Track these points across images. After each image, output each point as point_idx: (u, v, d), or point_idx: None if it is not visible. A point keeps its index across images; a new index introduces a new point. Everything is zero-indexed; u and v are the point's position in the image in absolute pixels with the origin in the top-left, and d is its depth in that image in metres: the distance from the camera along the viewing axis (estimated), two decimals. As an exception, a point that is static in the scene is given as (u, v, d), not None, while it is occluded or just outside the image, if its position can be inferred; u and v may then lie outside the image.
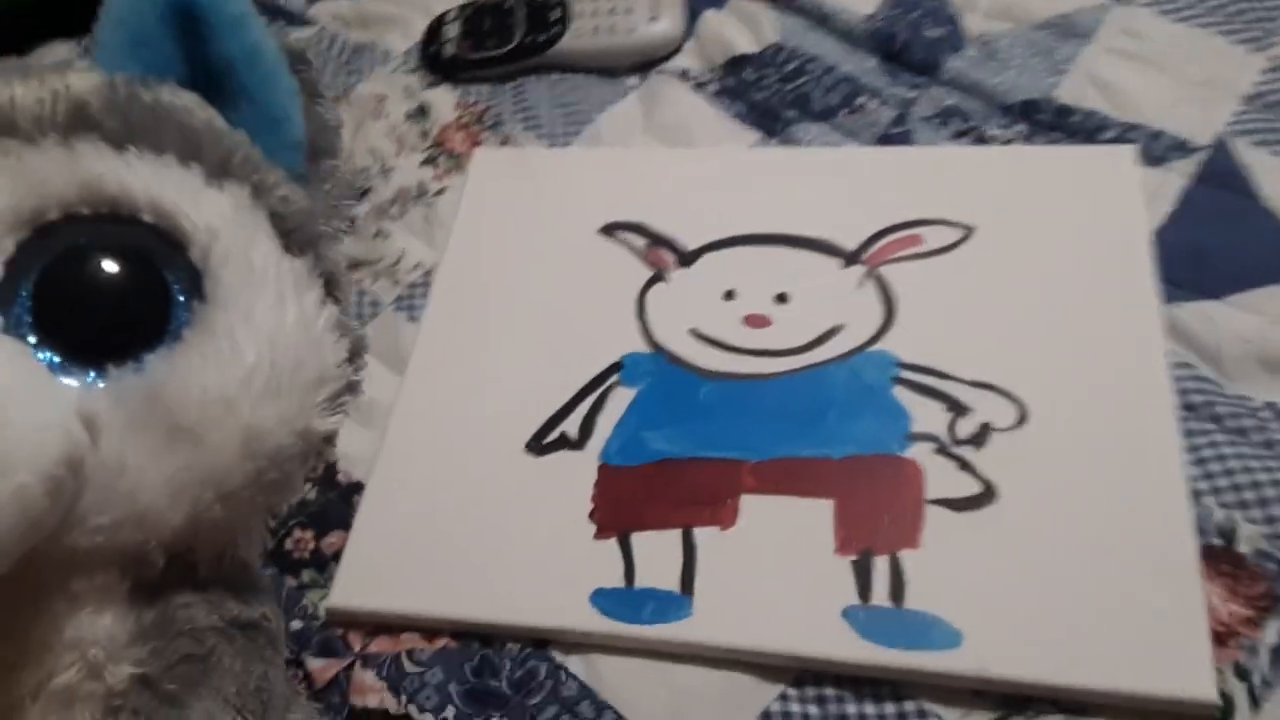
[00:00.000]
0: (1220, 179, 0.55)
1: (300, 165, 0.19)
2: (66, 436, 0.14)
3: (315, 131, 0.20)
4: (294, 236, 0.18)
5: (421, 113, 0.65)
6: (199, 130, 0.18)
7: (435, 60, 0.66)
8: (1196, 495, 0.45)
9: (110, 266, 0.16)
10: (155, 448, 0.16)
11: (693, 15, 0.66)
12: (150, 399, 0.16)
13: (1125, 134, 0.57)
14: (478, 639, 0.44)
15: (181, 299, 0.16)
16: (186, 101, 0.18)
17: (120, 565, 0.16)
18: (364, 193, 0.61)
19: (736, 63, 0.64)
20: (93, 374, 0.15)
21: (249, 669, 0.18)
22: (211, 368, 0.16)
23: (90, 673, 0.16)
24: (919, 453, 0.47)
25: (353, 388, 0.19)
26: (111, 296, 0.16)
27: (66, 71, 0.17)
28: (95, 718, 0.16)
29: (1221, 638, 0.42)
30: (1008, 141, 0.58)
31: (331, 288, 0.19)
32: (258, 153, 0.19)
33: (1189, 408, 0.48)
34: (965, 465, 0.46)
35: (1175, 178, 0.55)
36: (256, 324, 0.17)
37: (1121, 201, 0.53)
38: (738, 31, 0.65)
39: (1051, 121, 0.59)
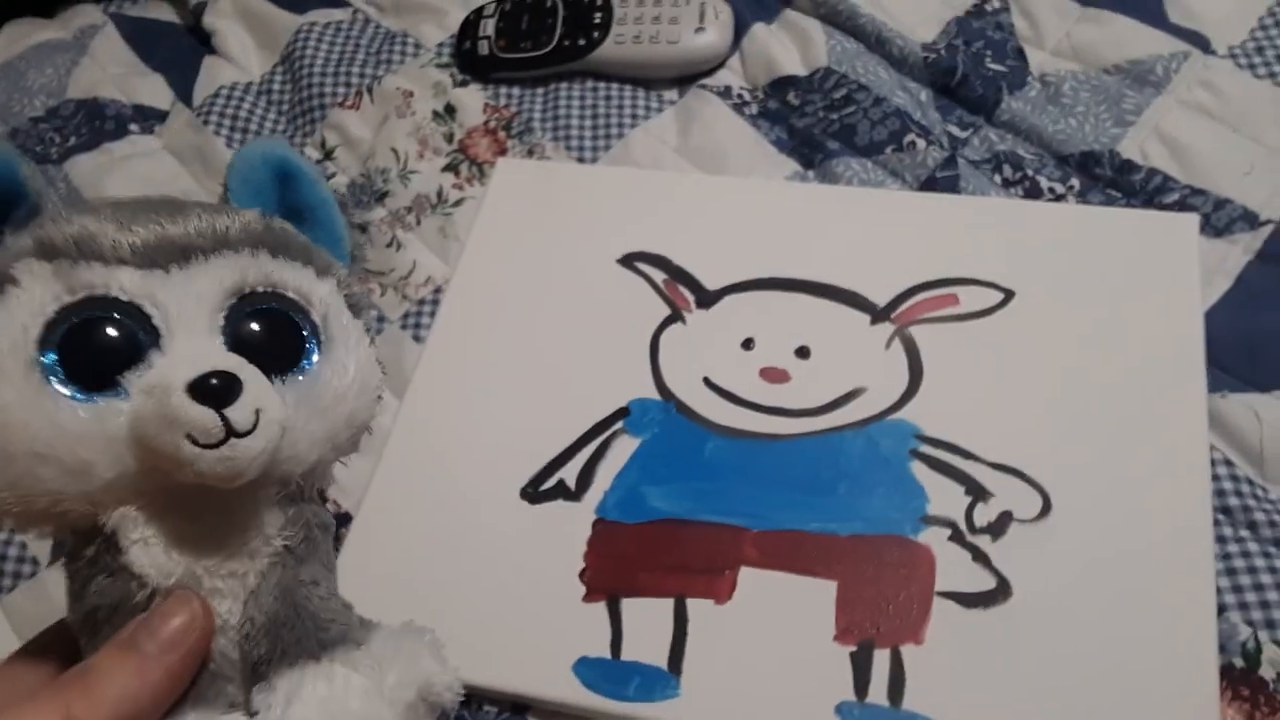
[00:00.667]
0: (1286, 258, 0.51)
1: (348, 264, 0.31)
2: (284, 409, 0.26)
3: (353, 246, 0.32)
4: (353, 307, 0.30)
5: (449, 113, 0.62)
6: (306, 246, 0.29)
7: (469, 57, 0.64)
8: (1222, 609, 0.43)
9: (275, 319, 0.27)
10: (307, 419, 0.27)
11: (739, 27, 0.63)
12: (304, 392, 0.27)
13: (1188, 199, 0.53)
14: (453, 696, 0.43)
15: (312, 339, 0.28)
16: (289, 228, 0.29)
17: (278, 484, 0.27)
18: (382, 196, 0.59)
19: (781, 84, 0.61)
20: (271, 377, 0.26)
21: (329, 548, 0.29)
22: (333, 377, 0.28)
23: (265, 541, 0.27)
24: (932, 538, 0.44)
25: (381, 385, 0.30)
26: (278, 336, 0.27)
27: (242, 211, 0.28)
28: (263, 567, 0.27)
29: (1235, 768, 0.40)
30: (1060, 196, 0.55)
31: (370, 335, 0.30)
32: (333, 259, 0.30)
33: (1224, 510, 0.45)
34: (980, 556, 0.43)
35: (1237, 252, 0.52)
36: (351, 353, 0.28)
37: (1178, 277, 0.49)
38: (786, 50, 0.61)
39: (1110, 178, 0.55)
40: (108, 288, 0.25)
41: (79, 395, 0.24)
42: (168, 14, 0.73)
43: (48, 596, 0.48)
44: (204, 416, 0.24)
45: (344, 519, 0.48)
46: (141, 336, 0.25)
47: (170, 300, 0.26)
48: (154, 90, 0.67)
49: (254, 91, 0.66)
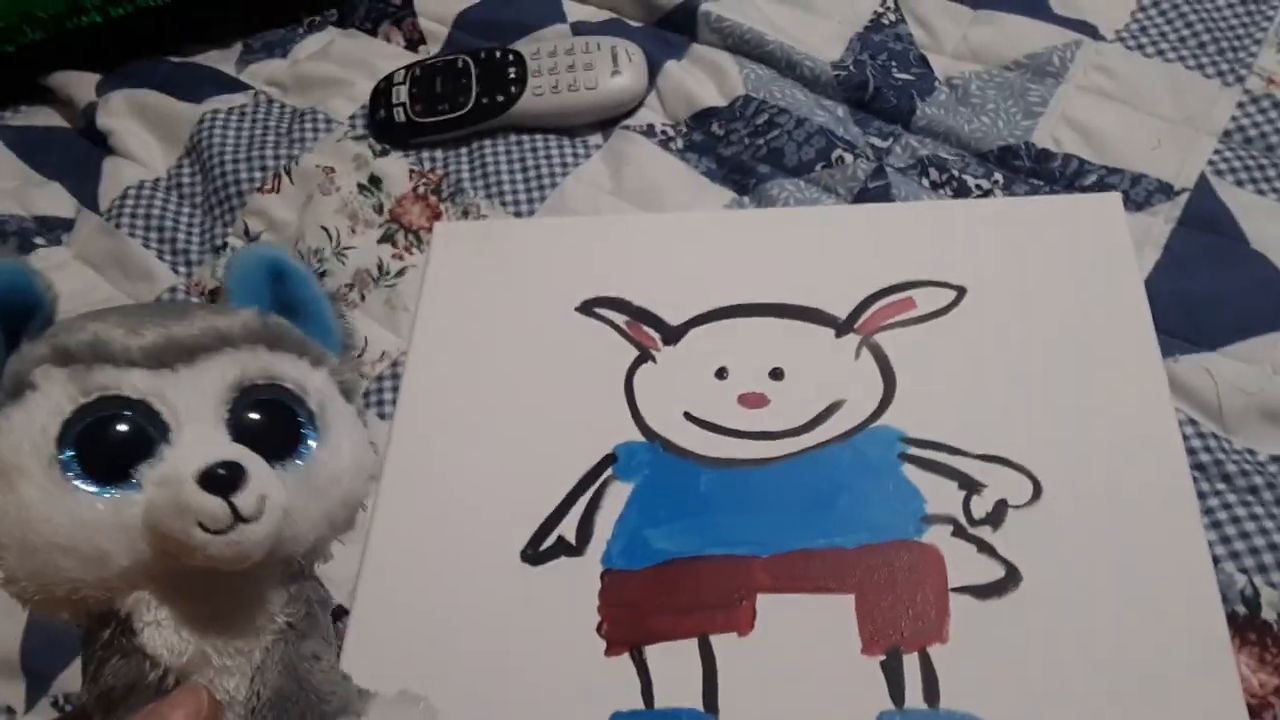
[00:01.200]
0: (1205, 222, 0.54)
1: (339, 354, 0.32)
2: (285, 494, 0.27)
3: (344, 335, 0.33)
4: (347, 393, 0.31)
5: (374, 184, 0.61)
6: (301, 339, 0.30)
7: (385, 126, 0.63)
8: (1216, 561, 0.44)
9: (275, 409, 0.29)
10: (305, 500, 0.28)
11: (652, 66, 0.64)
12: (303, 476, 0.28)
13: (1106, 179, 0.56)
14: (490, 776, 0.42)
15: (309, 426, 0.29)
16: (284, 323, 0.30)
17: (282, 564, 0.29)
18: (320, 276, 0.57)
19: (703, 116, 0.62)
20: (273, 463, 0.28)
21: (328, 623, 0.30)
22: (329, 460, 0.29)
23: (269, 618, 0.28)
24: (936, 536, 0.45)
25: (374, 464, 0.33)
26: (278, 425, 0.28)
27: (241, 310, 0.30)
28: (268, 643, 0.28)
29: (1255, 710, 0.41)
30: (988, 191, 0.57)
31: (363, 418, 0.32)
32: (325, 350, 0.31)
33: (1198, 468, 0.47)
34: (985, 547, 0.44)
35: (1160, 223, 0.55)
36: (345, 437, 0.29)
37: (1113, 253, 0.52)
38: (701, 83, 0.62)
39: (1030, 168, 0.57)
40: (119, 388, 0.27)
41: (95, 488, 0.26)
42: (53, 119, 0.70)
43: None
44: (213, 505, 0.26)
45: (339, 613, 0.46)
46: (151, 431, 0.27)
47: (178, 397, 0.27)
48: (54, 199, 0.64)
49: (163, 187, 0.63)
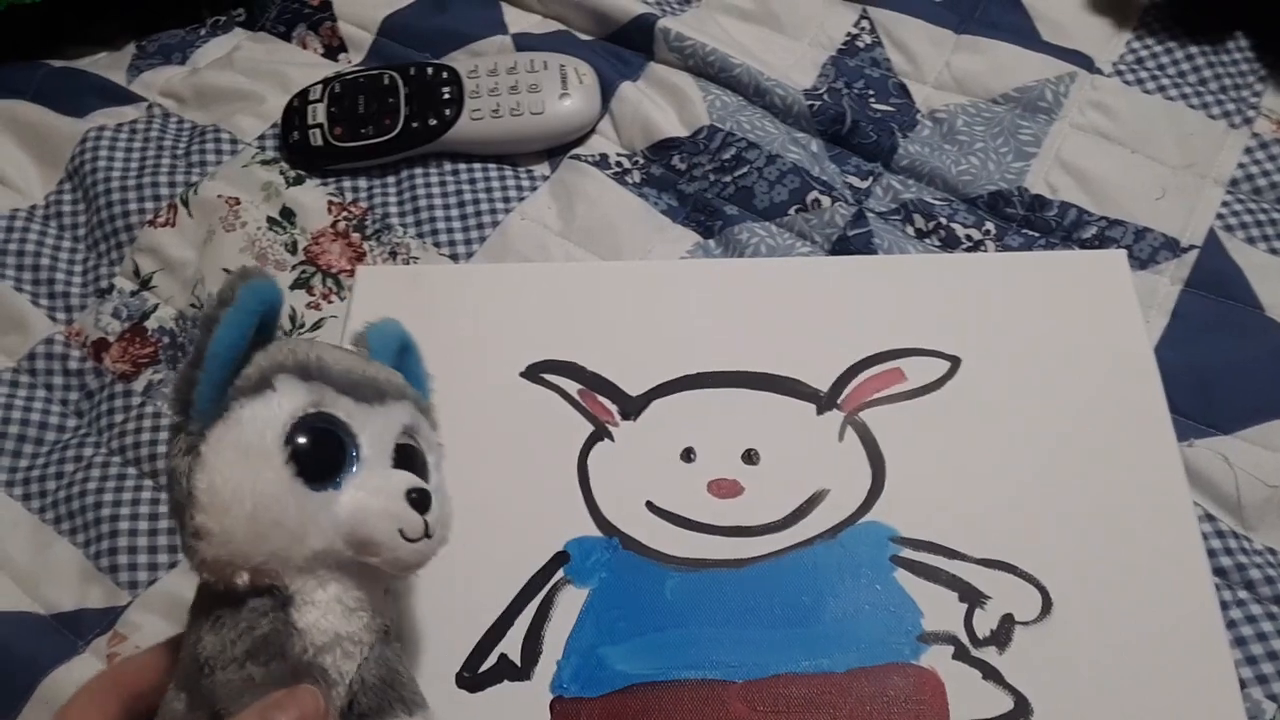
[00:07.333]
0: (1216, 284, 0.49)
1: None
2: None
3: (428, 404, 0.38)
4: None
5: (287, 218, 0.53)
6: (428, 407, 0.38)
7: (300, 149, 0.55)
8: (1241, 685, 0.39)
9: (415, 455, 0.35)
10: None
11: (605, 87, 0.57)
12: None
13: (1107, 231, 0.51)
14: None
15: (426, 472, 0.36)
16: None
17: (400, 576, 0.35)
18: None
19: (662, 147, 0.55)
20: None
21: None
22: (440, 503, 0.35)
23: (378, 617, 0.33)
24: (935, 658, 0.39)
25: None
26: (414, 463, 0.35)
27: (395, 371, 0.37)
28: (372, 640, 0.33)
29: None
30: (979, 242, 0.51)
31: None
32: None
33: (1219, 572, 0.43)
34: (991, 674, 0.39)
35: (1166, 283, 0.50)
36: (443, 483, 0.36)
37: (1120, 320, 0.47)
38: (661, 109, 0.56)
39: (1023, 217, 0.52)
40: (335, 409, 0.32)
41: (309, 483, 0.31)
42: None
43: None
44: (416, 517, 0.32)
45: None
46: (351, 448, 0.32)
47: (369, 427, 0.33)
48: (-93, 227, 0.55)
49: (39, 217, 0.55)
